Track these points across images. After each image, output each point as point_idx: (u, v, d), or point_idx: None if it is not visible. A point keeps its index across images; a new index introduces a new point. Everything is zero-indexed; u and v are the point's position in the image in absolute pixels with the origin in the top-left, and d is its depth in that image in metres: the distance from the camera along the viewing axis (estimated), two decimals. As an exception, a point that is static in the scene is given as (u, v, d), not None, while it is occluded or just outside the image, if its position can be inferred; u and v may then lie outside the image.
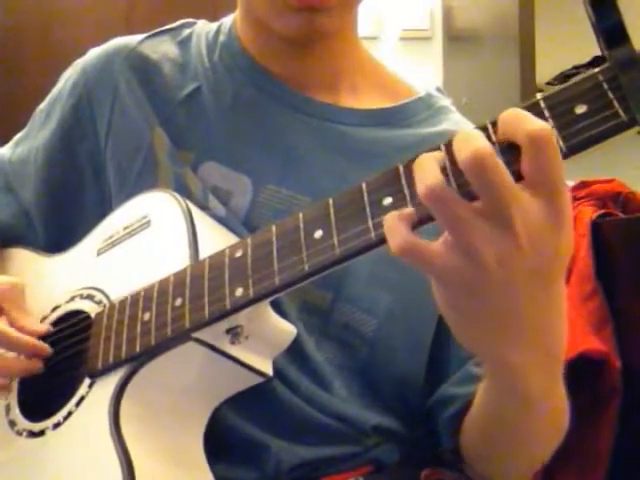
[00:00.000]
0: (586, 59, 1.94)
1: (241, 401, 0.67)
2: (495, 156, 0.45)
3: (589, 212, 1.09)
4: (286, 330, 0.67)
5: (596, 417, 1.00)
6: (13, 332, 0.70)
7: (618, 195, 1.13)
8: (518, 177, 0.47)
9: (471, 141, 0.46)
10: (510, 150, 0.47)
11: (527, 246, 0.47)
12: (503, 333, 0.52)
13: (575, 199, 1.14)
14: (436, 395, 0.74)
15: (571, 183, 1.24)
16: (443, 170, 0.47)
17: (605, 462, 0.98)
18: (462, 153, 0.46)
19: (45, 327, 0.73)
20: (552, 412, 0.62)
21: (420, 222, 0.49)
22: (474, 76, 2.17)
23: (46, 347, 0.71)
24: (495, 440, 0.68)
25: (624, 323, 1.01)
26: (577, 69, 1.94)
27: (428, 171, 0.47)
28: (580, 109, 0.47)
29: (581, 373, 1.00)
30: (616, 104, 0.46)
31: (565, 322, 0.54)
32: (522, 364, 0.54)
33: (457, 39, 2.36)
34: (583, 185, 1.16)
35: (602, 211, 1.10)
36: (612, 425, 0.98)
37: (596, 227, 1.07)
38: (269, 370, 0.65)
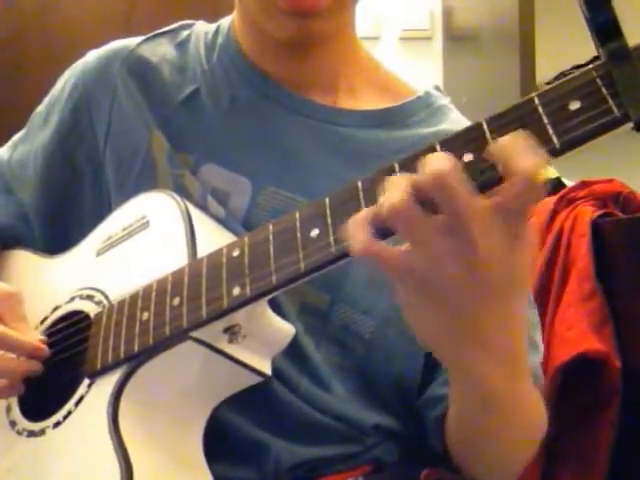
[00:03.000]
0: (586, 59, 1.94)
1: (241, 401, 0.67)
2: (455, 173, 0.47)
3: (589, 212, 1.10)
4: (284, 330, 0.67)
5: (596, 417, 1.00)
6: (13, 334, 0.70)
7: (618, 195, 1.13)
8: (498, 180, 0.48)
9: (433, 160, 0.47)
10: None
11: (487, 259, 0.48)
12: (463, 338, 0.53)
13: (575, 199, 1.15)
14: (424, 396, 0.75)
15: (571, 183, 1.24)
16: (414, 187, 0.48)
17: (605, 462, 0.98)
18: (424, 171, 0.47)
19: (41, 338, 0.72)
20: (519, 412, 0.63)
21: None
22: (474, 76, 2.17)
23: (45, 348, 0.71)
24: (470, 441, 0.69)
25: (624, 323, 1.01)
26: (577, 69, 1.94)
27: (395, 189, 0.48)
28: (574, 105, 0.47)
29: (581, 373, 1.00)
30: (609, 100, 0.46)
31: (524, 327, 0.56)
32: (482, 369, 0.55)
33: (457, 39, 2.36)
34: (583, 185, 1.16)
35: (602, 211, 1.10)
36: (612, 425, 0.98)
37: (596, 227, 1.07)
38: (268, 370, 0.65)
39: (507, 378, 0.57)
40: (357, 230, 0.49)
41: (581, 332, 1.02)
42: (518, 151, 0.46)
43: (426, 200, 0.47)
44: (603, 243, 1.06)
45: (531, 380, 0.63)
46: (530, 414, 0.66)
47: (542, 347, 0.79)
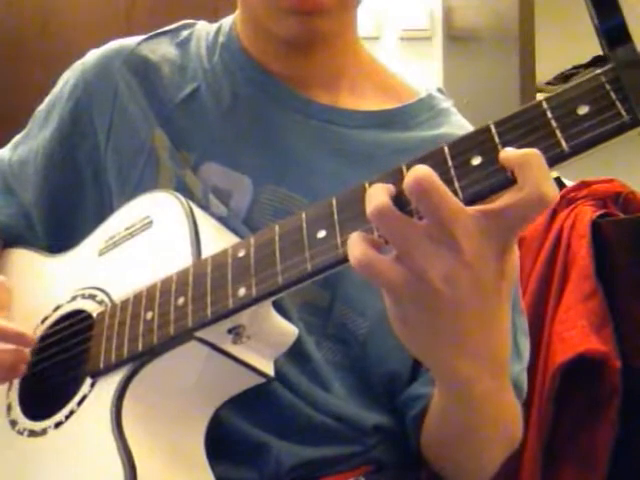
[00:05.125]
0: (586, 59, 1.95)
1: (242, 402, 0.67)
2: (436, 180, 0.47)
3: (589, 212, 1.10)
4: (288, 331, 0.67)
5: (596, 417, 1.00)
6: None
7: (618, 195, 1.13)
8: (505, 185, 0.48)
9: (416, 168, 0.48)
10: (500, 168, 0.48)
11: (472, 264, 0.49)
12: (451, 346, 0.54)
13: (575, 199, 1.15)
14: (404, 394, 0.75)
15: (571, 183, 1.25)
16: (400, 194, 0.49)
17: (605, 462, 0.98)
18: (406, 178, 0.48)
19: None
20: (496, 409, 0.64)
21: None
22: (474, 76, 2.17)
23: (30, 335, 0.71)
24: (446, 440, 0.70)
25: (624, 323, 1.01)
26: (577, 69, 1.94)
27: (376, 193, 0.49)
28: (582, 110, 0.47)
29: (581, 373, 1.01)
30: (618, 105, 0.46)
31: (507, 330, 0.56)
32: (470, 374, 0.56)
33: (457, 39, 2.36)
34: (583, 185, 1.16)
35: (602, 211, 1.10)
36: (612, 425, 0.98)
37: (596, 227, 1.07)
38: (270, 371, 0.66)
39: (492, 380, 0.58)
40: (352, 246, 0.50)
41: (581, 332, 1.02)
42: (538, 166, 0.47)
43: (410, 207, 0.49)
44: (603, 243, 1.06)
45: (508, 378, 0.64)
46: (505, 411, 0.67)
47: (527, 355, 0.80)
